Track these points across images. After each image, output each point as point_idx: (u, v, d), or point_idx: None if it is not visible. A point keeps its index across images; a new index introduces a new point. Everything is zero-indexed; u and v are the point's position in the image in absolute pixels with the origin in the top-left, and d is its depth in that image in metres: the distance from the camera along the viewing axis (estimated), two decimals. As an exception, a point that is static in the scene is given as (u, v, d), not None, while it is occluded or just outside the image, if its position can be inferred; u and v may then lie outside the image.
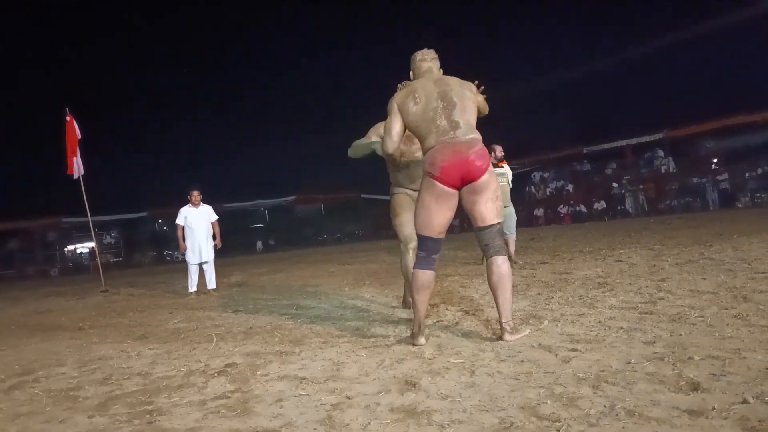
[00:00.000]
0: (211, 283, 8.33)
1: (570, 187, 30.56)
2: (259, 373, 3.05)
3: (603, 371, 2.42)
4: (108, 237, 33.87)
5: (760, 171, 24.25)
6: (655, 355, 2.58)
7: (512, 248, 7.88)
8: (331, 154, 43.81)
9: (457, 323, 3.89)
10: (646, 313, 3.51)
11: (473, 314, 4.19)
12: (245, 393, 2.70)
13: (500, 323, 3.17)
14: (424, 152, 3.34)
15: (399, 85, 3.89)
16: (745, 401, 1.88)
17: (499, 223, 3.26)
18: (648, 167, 27.74)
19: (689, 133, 27.02)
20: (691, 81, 32.08)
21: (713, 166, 26.69)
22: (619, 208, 26.77)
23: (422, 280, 3.27)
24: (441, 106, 3.29)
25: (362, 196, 39.11)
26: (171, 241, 35.12)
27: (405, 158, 4.39)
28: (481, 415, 2.07)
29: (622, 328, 3.20)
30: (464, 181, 3.20)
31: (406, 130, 3.48)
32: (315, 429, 2.11)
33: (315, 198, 40.04)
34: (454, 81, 3.42)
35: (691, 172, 26.94)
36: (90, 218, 11.86)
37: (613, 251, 7.17)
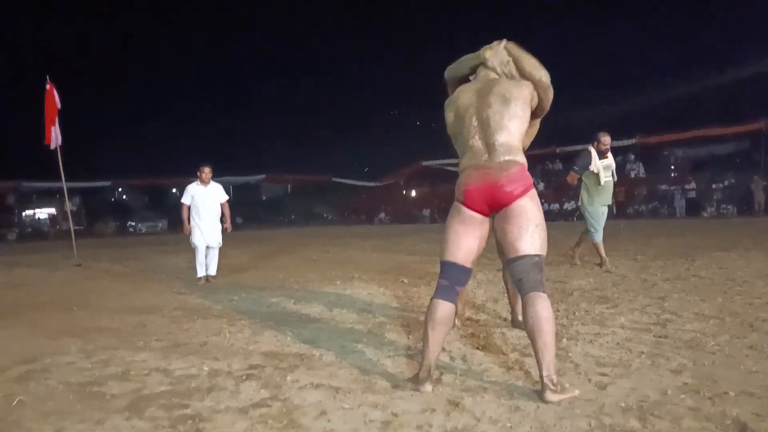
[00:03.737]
0: (212, 269, 7.75)
1: (541, 186, 31.01)
2: (289, 378, 3.04)
3: (643, 402, 2.50)
4: (70, 204, 33.00)
5: (726, 183, 25.05)
6: (687, 386, 2.67)
7: (582, 246, 7.80)
8: (305, 134, 43.61)
9: (473, 334, 3.93)
10: (660, 337, 3.61)
11: (486, 323, 4.25)
12: (283, 401, 2.69)
13: (540, 377, 2.62)
14: (459, 172, 3.08)
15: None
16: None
17: (537, 255, 2.78)
18: (618, 171, 28.31)
19: (661, 141, 27.73)
20: (666, 89, 32.91)
21: (680, 174, 27.49)
22: (587, 209, 27.24)
23: (441, 313, 2.84)
24: (476, 125, 3.00)
25: (333, 179, 38.93)
26: (134, 212, 34.41)
27: None
28: (540, 445, 2.12)
29: (643, 352, 3.29)
30: (492, 207, 2.90)
31: None
32: (375, 450, 2.13)
33: (285, 178, 39.60)
34: (500, 89, 3.01)
35: (660, 179, 27.67)
36: (64, 184, 11.61)
37: (596, 258, 7.32)
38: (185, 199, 7.67)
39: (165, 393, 2.89)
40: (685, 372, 2.90)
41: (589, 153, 7.24)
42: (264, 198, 41.06)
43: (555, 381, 2.59)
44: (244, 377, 3.10)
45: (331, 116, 46.34)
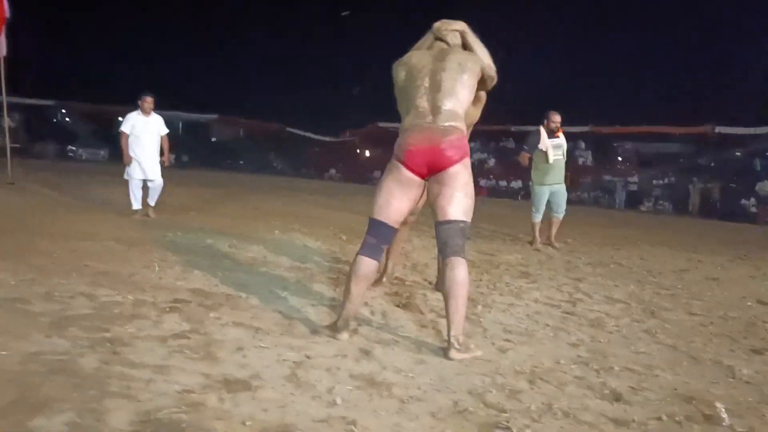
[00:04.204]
0: (152, 201, 7.62)
1: (492, 162, 31.54)
2: (211, 315, 3.15)
3: (537, 368, 2.73)
4: (9, 120, 31.57)
5: (666, 180, 26.08)
6: (580, 358, 2.93)
7: (554, 230, 7.65)
8: (265, 79, 42.63)
9: (396, 293, 4.12)
10: (568, 314, 3.89)
11: (413, 284, 4.45)
12: (203, 335, 2.80)
13: (448, 336, 2.81)
14: (401, 132, 3.15)
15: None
16: (659, 418, 2.22)
17: (462, 222, 2.93)
18: (568, 156, 29.11)
19: (613, 132, 28.58)
20: (625, 83, 33.78)
21: (625, 167, 28.49)
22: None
23: (364, 270, 2.96)
24: (427, 86, 3.07)
25: (288, 129, 38.45)
26: (76, 137, 33.11)
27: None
28: (435, 394, 2.31)
29: (548, 325, 3.55)
30: (431, 170, 2.98)
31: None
32: (283, 385, 2.27)
33: (238, 121, 38.78)
34: (457, 57, 3.14)
35: (605, 169, 28.57)
36: (4, 98, 11.11)
37: (530, 237, 7.64)
38: (125, 128, 7.49)
39: (88, 316, 2.96)
40: (582, 346, 3.16)
41: (538, 132, 7.44)
42: (214, 139, 40.12)
43: (461, 341, 2.79)
44: (168, 309, 3.19)
45: (293, 64, 45.37)
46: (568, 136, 8.16)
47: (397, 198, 3.02)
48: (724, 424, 2.20)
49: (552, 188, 7.51)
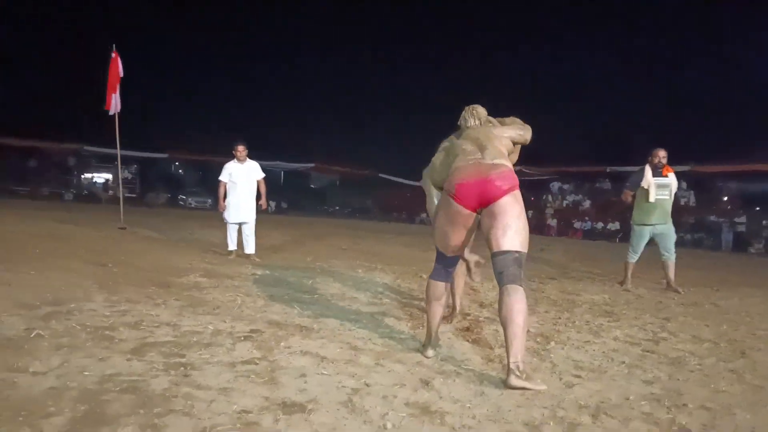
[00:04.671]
0: (249, 247, 7.96)
1: (587, 203, 30.57)
2: (282, 344, 3.28)
3: (602, 403, 2.62)
4: (126, 172, 34.27)
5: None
6: (653, 395, 2.78)
7: (671, 273, 7.05)
8: (356, 127, 44.03)
9: (468, 328, 4.09)
10: (647, 352, 3.70)
11: (486, 320, 4.40)
12: (271, 362, 2.92)
13: (507, 363, 2.80)
14: (450, 173, 3.28)
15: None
16: (730, 457, 2.07)
17: (517, 252, 2.94)
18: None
19: (714, 171, 26.96)
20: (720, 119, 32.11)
21: (731, 207, 26.72)
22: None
23: (434, 292, 3.35)
24: (468, 143, 3.39)
25: (380, 174, 39.24)
26: (185, 186, 35.55)
27: None
28: (489, 425, 2.28)
29: (623, 362, 3.39)
30: (481, 202, 3.05)
31: None
32: (338, 410, 2.33)
33: (332, 169, 40.13)
34: (487, 129, 3.54)
35: (709, 209, 26.92)
36: (120, 151, 12.14)
37: (621, 277, 7.31)
38: (223, 177, 8.03)
39: (167, 343, 3.16)
40: (656, 384, 2.99)
41: (643, 169, 7.14)
42: (311, 186, 41.80)
43: (521, 368, 2.76)
44: (242, 338, 3.35)
45: (382, 111, 46.56)
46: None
47: (451, 230, 3.21)
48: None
49: (655, 229, 7.08)
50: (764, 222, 24.46)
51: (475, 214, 3.13)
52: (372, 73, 47.66)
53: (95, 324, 3.46)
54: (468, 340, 3.74)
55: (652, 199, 6.97)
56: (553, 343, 3.76)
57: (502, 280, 2.93)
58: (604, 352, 3.64)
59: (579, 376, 3.06)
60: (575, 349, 3.67)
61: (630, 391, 2.82)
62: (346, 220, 28.83)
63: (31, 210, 14.65)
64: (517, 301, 2.84)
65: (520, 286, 2.90)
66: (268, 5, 49.85)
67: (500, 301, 2.91)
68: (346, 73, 49.45)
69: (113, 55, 11.41)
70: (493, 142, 3.34)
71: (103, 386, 2.41)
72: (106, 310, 3.87)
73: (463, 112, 3.73)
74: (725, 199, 28.33)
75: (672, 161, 7.25)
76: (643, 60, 39.27)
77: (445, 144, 3.79)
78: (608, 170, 29.30)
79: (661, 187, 7.00)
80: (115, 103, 11.46)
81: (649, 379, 3.07)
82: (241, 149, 8.00)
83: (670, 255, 7.09)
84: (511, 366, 2.75)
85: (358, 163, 38.24)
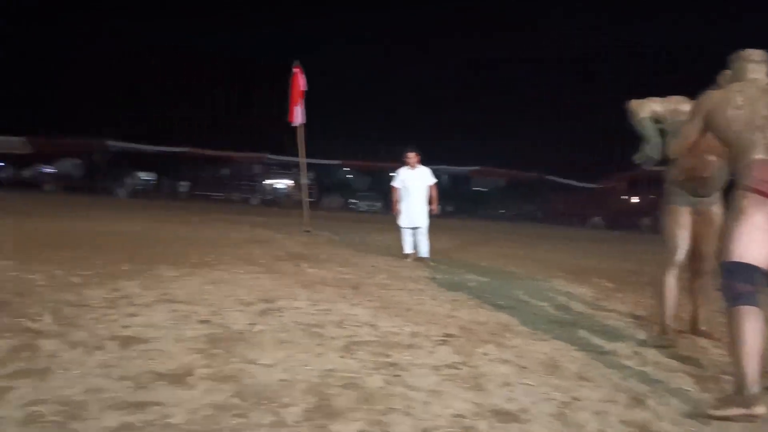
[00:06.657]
0: (423, 251, 8.10)
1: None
2: (479, 350, 3.32)
3: None
4: (306, 178, 36.86)
5: None
6: None
7: None
8: (520, 129, 43.25)
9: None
10: None
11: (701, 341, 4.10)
12: (472, 368, 2.97)
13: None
14: (738, 165, 2.79)
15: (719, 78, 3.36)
16: None
17: None
18: None
19: None
20: None
21: None
22: None
23: (753, 323, 2.49)
24: (759, 124, 2.75)
25: (547, 177, 38.07)
26: (356, 191, 37.37)
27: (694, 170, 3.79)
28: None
29: None
30: None
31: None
32: (551, 422, 2.31)
33: (497, 172, 39.71)
34: None
35: None
36: (304, 160, 13.15)
37: None
38: (396, 183, 8.31)
39: (372, 342, 3.35)
40: None
41: None
42: (476, 189, 41.75)
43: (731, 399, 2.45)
44: (440, 342, 3.45)
45: (549, 110, 45.16)
46: None
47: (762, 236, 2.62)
48: None
49: None
50: None
51: None
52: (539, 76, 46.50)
53: (304, 321, 3.76)
54: (673, 358, 3.49)
55: None
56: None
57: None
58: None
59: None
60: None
61: None
62: (512, 224, 28.38)
63: (234, 215, 16.31)
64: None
65: None
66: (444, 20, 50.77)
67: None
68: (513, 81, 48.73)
69: (295, 70, 12.30)
70: None
71: (325, 380, 2.61)
72: (310, 308, 4.19)
73: (745, 58, 3.03)
74: None
75: None
76: None
77: (703, 108, 3.02)
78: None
79: None
80: (298, 115, 12.35)
81: None
82: (411, 156, 8.20)
83: None
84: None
85: (522, 165, 37.49)
